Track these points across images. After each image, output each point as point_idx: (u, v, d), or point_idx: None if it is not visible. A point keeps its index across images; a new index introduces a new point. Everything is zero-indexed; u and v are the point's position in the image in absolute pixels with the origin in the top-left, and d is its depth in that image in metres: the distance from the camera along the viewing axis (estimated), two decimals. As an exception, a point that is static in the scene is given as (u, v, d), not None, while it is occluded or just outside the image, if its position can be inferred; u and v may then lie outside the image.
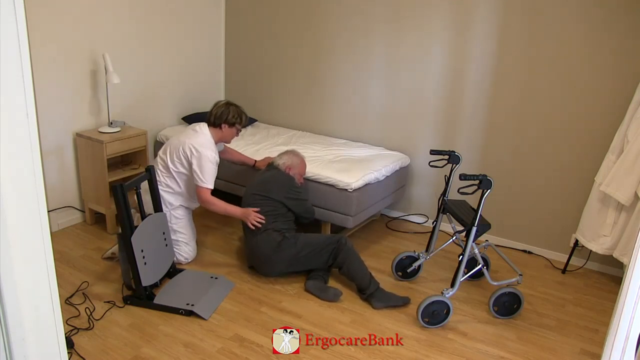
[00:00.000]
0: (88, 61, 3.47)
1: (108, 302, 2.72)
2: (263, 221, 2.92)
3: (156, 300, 2.69)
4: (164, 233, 2.88)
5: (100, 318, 2.58)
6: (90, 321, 2.55)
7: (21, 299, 1.14)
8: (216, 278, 2.95)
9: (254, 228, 2.92)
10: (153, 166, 2.90)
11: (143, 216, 2.81)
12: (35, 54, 3.12)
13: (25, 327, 1.17)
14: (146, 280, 2.67)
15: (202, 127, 3.05)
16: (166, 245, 2.89)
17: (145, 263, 2.66)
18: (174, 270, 2.98)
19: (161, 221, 2.88)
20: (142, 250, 2.63)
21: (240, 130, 3.16)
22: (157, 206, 2.90)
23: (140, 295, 2.69)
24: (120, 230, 2.61)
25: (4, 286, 1.10)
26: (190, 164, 2.96)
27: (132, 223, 2.60)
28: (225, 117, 3.03)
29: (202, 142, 2.96)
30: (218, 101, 3.14)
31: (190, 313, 2.63)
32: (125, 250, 2.61)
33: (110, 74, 3.39)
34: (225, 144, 3.32)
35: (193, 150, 2.93)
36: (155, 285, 2.82)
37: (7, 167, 1.06)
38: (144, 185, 2.88)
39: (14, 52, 1.04)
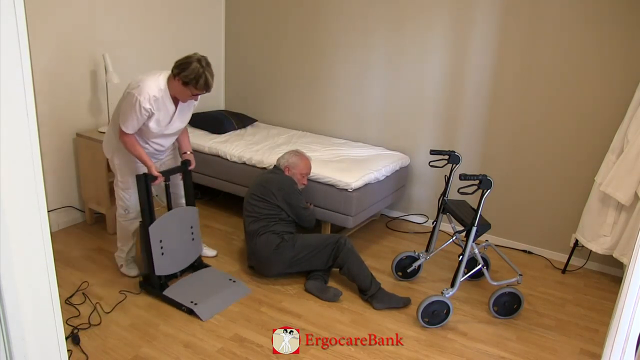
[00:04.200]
0: (88, 61, 3.47)
1: (108, 301, 2.72)
2: (158, 181, 2.68)
3: (166, 292, 2.72)
4: (191, 227, 2.90)
5: (100, 318, 2.58)
6: (90, 321, 2.55)
7: (21, 299, 1.14)
8: (234, 281, 2.92)
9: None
10: (188, 160, 2.86)
11: (170, 208, 2.85)
12: (36, 54, 3.12)
13: (25, 327, 1.17)
14: (160, 270, 2.71)
15: (162, 72, 2.61)
16: (192, 239, 2.91)
17: (162, 254, 2.69)
18: (199, 265, 3.00)
19: (190, 215, 2.91)
20: (160, 241, 2.67)
21: (198, 95, 2.62)
22: (190, 200, 2.93)
23: (153, 284, 2.72)
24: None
25: (4, 286, 1.10)
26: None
27: (152, 213, 2.64)
28: (182, 70, 2.50)
29: (144, 83, 2.51)
30: (195, 53, 2.56)
31: (191, 311, 2.64)
32: (144, 238, 2.65)
33: (110, 74, 3.39)
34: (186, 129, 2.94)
35: (132, 84, 2.53)
36: (174, 277, 2.87)
37: (7, 167, 1.06)
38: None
39: (14, 52, 1.04)
